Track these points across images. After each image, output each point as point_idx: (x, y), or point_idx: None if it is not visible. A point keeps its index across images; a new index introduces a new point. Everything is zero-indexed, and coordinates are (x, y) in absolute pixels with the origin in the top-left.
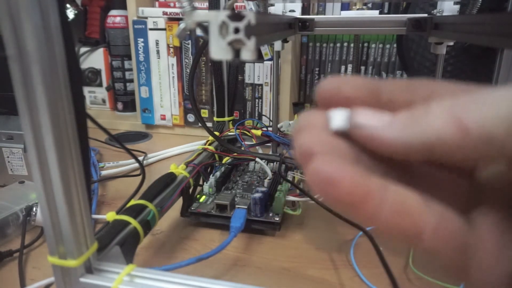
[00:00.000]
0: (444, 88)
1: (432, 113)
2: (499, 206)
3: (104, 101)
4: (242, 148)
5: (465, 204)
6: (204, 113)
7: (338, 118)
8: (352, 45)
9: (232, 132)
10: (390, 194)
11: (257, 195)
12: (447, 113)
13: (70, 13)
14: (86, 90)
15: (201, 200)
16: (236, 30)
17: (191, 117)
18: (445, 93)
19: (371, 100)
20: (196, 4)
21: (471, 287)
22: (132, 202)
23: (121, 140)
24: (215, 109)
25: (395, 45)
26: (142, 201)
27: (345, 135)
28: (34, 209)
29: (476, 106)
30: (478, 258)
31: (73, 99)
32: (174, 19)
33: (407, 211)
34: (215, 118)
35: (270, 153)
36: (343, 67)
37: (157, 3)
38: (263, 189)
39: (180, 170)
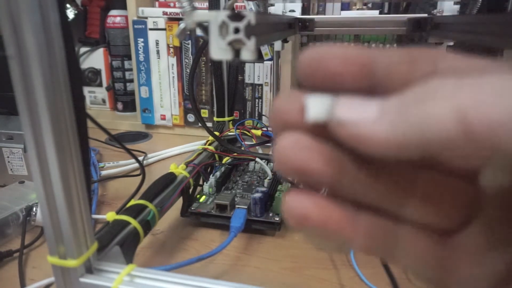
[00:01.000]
0: (450, 62)
1: (430, 99)
2: (494, 211)
3: (104, 101)
4: (242, 148)
5: (464, 209)
6: (204, 113)
7: (316, 107)
8: (352, 45)
9: (232, 132)
10: (360, 224)
11: (257, 195)
12: (449, 102)
13: (70, 13)
14: (86, 90)
15: (201, 200)
16: (236, 30)
17: (191, 117)
18: (450, 69)
19: (363, 76)
20: (196, 4)
21: None
22: (132, 202)
23: (121, 140)
24: (215, 109)
25: (395, 45)
26: (142, 201)
27: (325, 126)
28: (34, 209)
29: (485, 99)
30: (459, 271)
31: (73, 99)
32: (174, 19)
33: (378, 238)
34: (215, 118)
35: (270, 153)
36: None
37: (157, 3)
38: (263, 189)
39: (180, 170)
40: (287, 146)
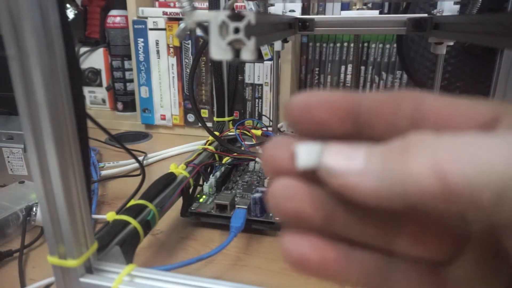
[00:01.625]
0: (431, 105)
1: (411, 154)
2: (481, 245)
3: (104, 101)
4: (242, 148)
5: (453, 243)
6: (204, 113)
7: (306, 154)
8: (352, 45)
9: (232, 132)
10: (354, 260)
11: (257, 195)
12: (428, 158)
13: (70, 13)
14: (86, 90)
15: (201, 200)
16: (236, 30)
17: (191, 117)
18: (432, 112)
19: (348, 121)
20: (196, 4)
21: None
22: (132, 202)
23: (121, 140)
24: (215, 109)
25: (395, 45)
26: (142, 201)
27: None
28: (34, 209)
29: (463, 157)
30: None
31: (73, 99)
32: (174, 19)
33: (372, 273)
34: (215, 118)
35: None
36: (343, 67)
37: (157, 3)
38: (263, 189)
39: (180, 170)
40: (279, 193)
